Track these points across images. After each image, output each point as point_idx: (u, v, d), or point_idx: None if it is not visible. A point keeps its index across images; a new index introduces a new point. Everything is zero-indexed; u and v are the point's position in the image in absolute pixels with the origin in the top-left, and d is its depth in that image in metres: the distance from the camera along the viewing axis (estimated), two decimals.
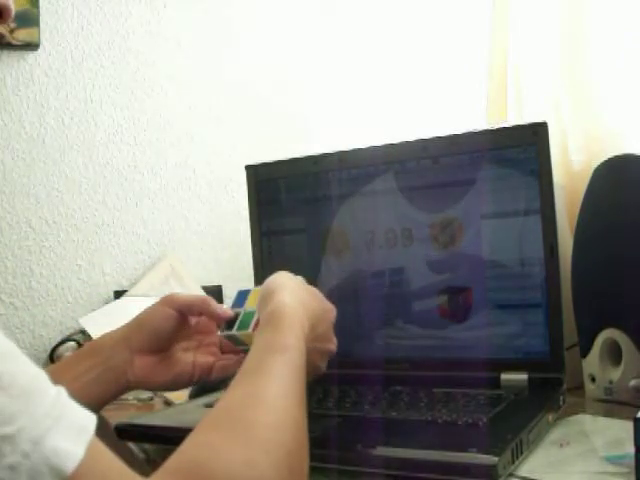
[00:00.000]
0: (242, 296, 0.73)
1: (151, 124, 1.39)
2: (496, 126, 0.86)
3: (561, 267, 0.77)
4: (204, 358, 0.72)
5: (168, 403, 0.93)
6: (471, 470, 0.53)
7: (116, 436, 0.73)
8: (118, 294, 1.31)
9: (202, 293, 1.33)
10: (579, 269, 0.83)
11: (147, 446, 0.74)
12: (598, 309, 0.80)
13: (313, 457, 0.49)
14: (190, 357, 0.72)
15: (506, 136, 0.81)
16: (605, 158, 0.84)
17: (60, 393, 0.37)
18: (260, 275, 0.96)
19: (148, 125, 1.39)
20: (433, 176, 0.86)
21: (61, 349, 1.23)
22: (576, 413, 0.74)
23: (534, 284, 0.78)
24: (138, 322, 0.71)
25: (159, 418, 0.77)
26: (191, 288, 1.33)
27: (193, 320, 0.74)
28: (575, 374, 0.83)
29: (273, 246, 0.96)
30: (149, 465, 0.69)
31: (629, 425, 0.53)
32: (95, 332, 1.18)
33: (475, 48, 1.39)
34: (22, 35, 1.25)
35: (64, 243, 1.31)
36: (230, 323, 0.71)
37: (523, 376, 0.76)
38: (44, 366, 1.23)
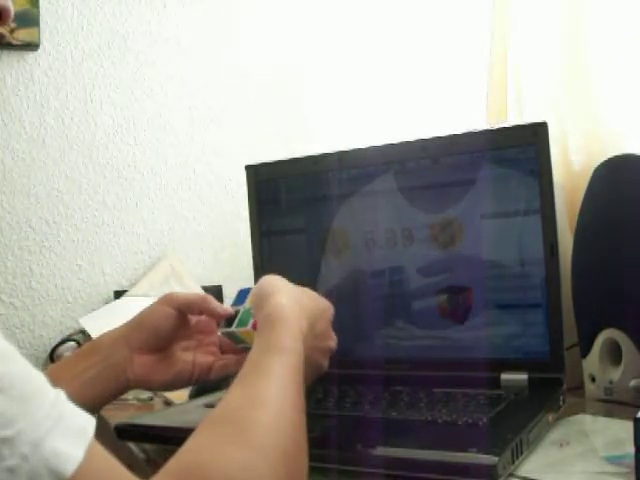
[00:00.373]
0: (242, 295, 0.73)
1: (151, 124, 1.39)
2: (496, 126, 0.87)
3: (561, 267, 0.77)
4: (204, 357, 0.72)
5: (168, 403, 0.93)
6: (471, 470, 0.53)
7: (116, 436, 0.73)
8: (118, 294, 1.31)
9: (202, 293, 1.33)
10: (579, 269, 0.83)
11: (147, 446, 0.74)
12: (598, 309, 0.80)
13: (313, 457, 0.49)
14: (190, 356, 0.72)
15: (506, 136, 0.81)
16: (605, 158, 0.84)
17: (59, 395, 0.37)
18: (260, 275, 0.95)
19: (148, 125, 1.39)
20: (433, 176, 0.86)
21: (61, 349, 1.23)
22: (576, 413, 0.74)
23: (534, 284, 0.78)
24: (138, 321, 0.71)
25: (159, 418, 0.77)
26: (191, 288, 1.33)
27: (193, 319, 0.74)
28: (575, 374, 0.83)
29: (273, 246, 0.96)
30: (149, 465, 0.69)
31: (629, 425, 0.53)
32: (95, 332, 1.18)
33: (475, 48, 1.39)
34: (22, 35, 1.25)
35: (64, 243, 1.31)
36: (230, 321, 0.71)
37: (523, 376, 0.76)
38: (44, 366, 1.23)
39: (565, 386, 0.75)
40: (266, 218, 0.97)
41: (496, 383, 0.77)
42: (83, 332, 1.24)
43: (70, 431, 0.36)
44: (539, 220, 0.77)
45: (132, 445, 0.74)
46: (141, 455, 0.73)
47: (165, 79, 1.40)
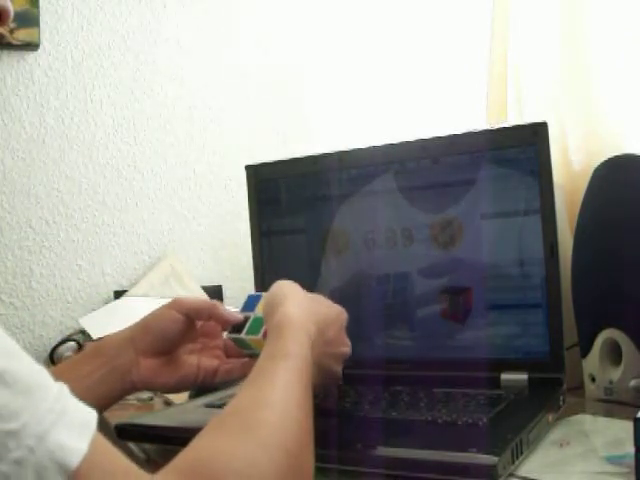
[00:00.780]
0: (252, 300, 0.72)
1: (151, 124, 1.39)
2: (496, 126, 0.86)
3: (561, 267, 0.77)
4: (209, 361, 0.72)
5: (168, 403, 0.93)
6: (471, 470, 0.53)
7: (116, 436, 0.73)
8: (118, 294, 1.31)
9: (202, 293, 1.33)
10: (579, 269, 0.83)
11: (147, 446, 0.74)
12: (598, 309, 0.80)
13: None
14: (195, 360, 0.72)
15: (506, 136, 0.81)
16: (605, 158, 0.84)
17: (62, 390, 0.38)
18: (260, 275, 0.96)
19: (148, 125, 1.39)
20: (433, 176, 0.86)
21: (61, 349, 1.23)
22: (576, 413, 0.74)
23: (534, 284, 0.78)
24: (144, 324, 0.71)
25: (159, 418, 0.77)
26: (191, 288, 1.33)
27: (199, 323, 0.74)
28: (575, 374, 0.83)
29: (273, 246, 0.96)
30: (149, 465, 0.69)
31: (629, 425, 0.53)
32: (95, 332, 1.18)
33: (475, 48, 1.39)
34: (22, 35, 1.25)
35: (64, 243, 1.31)
36: (237, 326, 0.71)
37: (523, 376, 0.76)
38: (45, 366, 1.23)
39: (565, 386, 0.75)
40: (266, 218, 0.97)
41: (496, 383, 0.77)
42: (83, 332, 1.24)
43: (74, 424, 0.36)
44: (539, 220, 0.77)
45: (132, 445, 0.74)
46: (141, 455, 0.73)
47: (165, 79, 1.40)
